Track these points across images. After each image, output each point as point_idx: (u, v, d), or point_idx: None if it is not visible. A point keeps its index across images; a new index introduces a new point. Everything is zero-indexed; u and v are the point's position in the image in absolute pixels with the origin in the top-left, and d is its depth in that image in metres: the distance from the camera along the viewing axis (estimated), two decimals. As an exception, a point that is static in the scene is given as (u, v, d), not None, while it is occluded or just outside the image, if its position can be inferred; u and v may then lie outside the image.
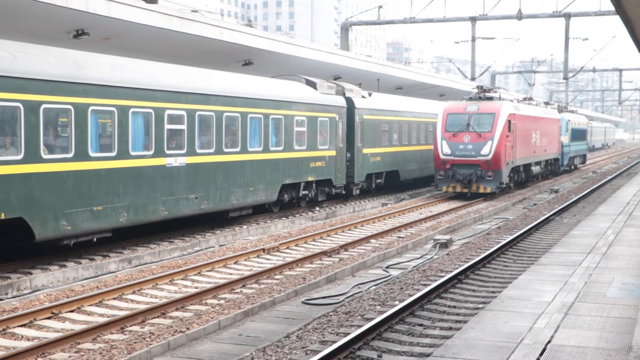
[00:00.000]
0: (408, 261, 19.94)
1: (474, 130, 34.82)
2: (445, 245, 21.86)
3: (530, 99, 49.43)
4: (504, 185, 35.61)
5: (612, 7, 16.53)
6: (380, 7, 49.56)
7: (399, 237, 23.93)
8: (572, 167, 60.56)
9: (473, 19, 48.71)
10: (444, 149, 35.23)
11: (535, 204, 34.30)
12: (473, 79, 51.08)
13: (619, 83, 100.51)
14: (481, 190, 34.62)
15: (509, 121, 35.63)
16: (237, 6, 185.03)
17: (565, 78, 56.78)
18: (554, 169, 51.77)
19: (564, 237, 20.21)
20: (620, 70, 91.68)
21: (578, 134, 60.42)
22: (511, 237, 22.23)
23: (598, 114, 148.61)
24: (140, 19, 25.89)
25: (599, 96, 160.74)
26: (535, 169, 44.35)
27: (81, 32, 25.72)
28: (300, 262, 19.37)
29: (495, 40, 53.89)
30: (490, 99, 37.71)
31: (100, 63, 20.13)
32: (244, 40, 32.19)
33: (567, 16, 47.26)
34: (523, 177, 41.82)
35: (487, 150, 34.28)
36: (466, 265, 17.76)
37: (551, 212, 28.85)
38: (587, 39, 59.66)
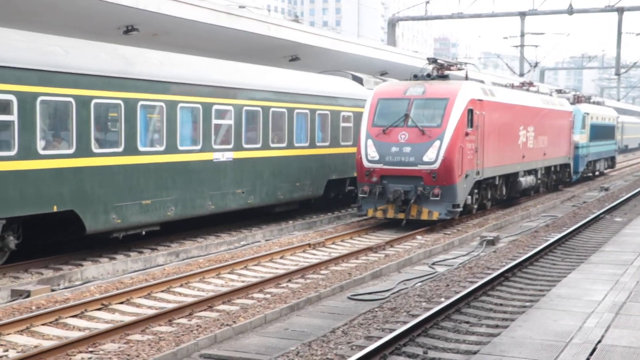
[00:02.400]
0: (454, 258, 19.85)
1: (414, 124, 22.67)
2: (492, 242, 21.67)
3: (530, 84, 36.83)
4: (460, 209, 23.35)
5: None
6: (428, 2, 49.33)
7: (445, 233, 23.80)
8: (595, 173, 47.47)
9: (522, 14, 48.44)
10: (370, 152, 23.06)
11: (584, 202, 33.62)
12: (522, 74, 50.57)
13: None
14: (424, 217, 22.56)
15: (471, 111, 23.62)
16: (283, 2, 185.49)
17: (617, 74, 55.62)
18: (561, 177, 38.73)
19: (614, 236, 19.97)
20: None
21: (602, 131, 45.90)
22: (559, 235, 22.02)
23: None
24: (189, 15, 26.17)
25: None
26: (527, 181, 31.15)
27: (131, 28, 26.06)
28: (346, 257, 19.47)
29: (545, 36, 51.68)
30: (445, 77, 25.51)
31: (150, 58, 20.42)
32: (291, 36, 32.33)
33: (620, 10, 46.59)
34: (504, 194, 29.56)
35: (433, 154, 22.13)
36: (513, 263, 17.67)
37: (601, 210, 28.51)
38: None
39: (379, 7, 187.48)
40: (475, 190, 25.24)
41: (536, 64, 48.30)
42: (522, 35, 49.47)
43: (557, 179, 38.01)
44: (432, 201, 22.40)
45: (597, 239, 22.03)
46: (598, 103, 51.40)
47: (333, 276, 17.17)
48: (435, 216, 22.70)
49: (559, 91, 46.62)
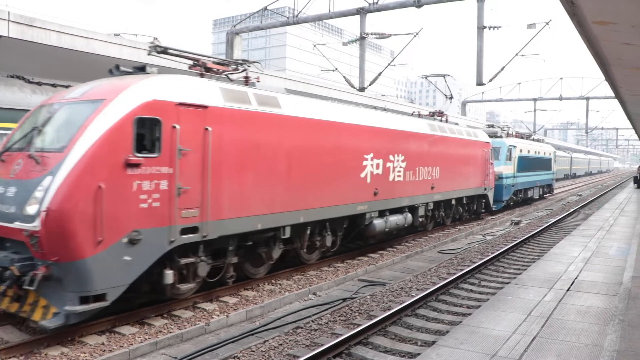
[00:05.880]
0: (496, 231, 19.29)
1: (33, 148, 6.01)
2: (517, 223, 20.94)
3: (441, 113, 19.00)
4: (138, 301, 7.02)
5: None
6: (483, 92, 49.03)
7: (492, 218, 23.05)
8: (531, 197, 30.10)
9: (534, 99, 47.84)
10: None
11: (568, 202, 31.81)
12: (534, 132, 48.95)
13: (616, 136, 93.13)
14: (36, 317, 5.65)
15: (152, 121, 6.47)
16: (404, 92, 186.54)
17: (586, 132, 53.40)
18: (475, 208, 20.97)
19: (585, 221, 18.88)
20: (617, 129, 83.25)
21: (532, 163, 28.74)
22: (554, 220, 21.10)
23: (605, 153, 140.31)
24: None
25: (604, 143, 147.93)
26: (389, 221, 13.70)
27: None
28: (437, 229, 18.94)
29: (546, 111, 50.62)
30: (143, 69, 7.63)
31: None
32: (400, 108, 32.59)
33: (587, 99, 44.91)
34: (329, 245, 11.87)
35: (37, 202, 5.15)
36: (529, 234, 17.06)
37: (577, 207, 27.11)
38: (598, 111, 55.41)
39: (457, 95, 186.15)
40: (200, 259, 8.22)
41: (542, 127, 47.44)
42: (535, 110, 48.24)
43: (469, 210, 20.48)
44: (45, 288, 6.35)
45: (575, 222, 20.82)
46: (539, 140, 32.97)
47: (430, 240, 16.89)
48: (50, 315, 6.30)
49: (490, 126, 29.22)
